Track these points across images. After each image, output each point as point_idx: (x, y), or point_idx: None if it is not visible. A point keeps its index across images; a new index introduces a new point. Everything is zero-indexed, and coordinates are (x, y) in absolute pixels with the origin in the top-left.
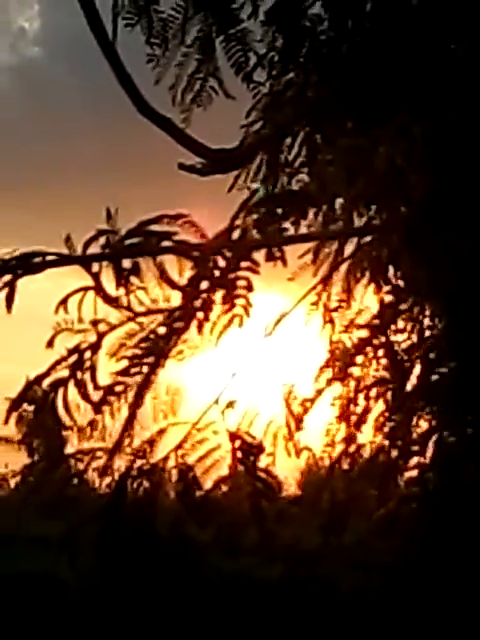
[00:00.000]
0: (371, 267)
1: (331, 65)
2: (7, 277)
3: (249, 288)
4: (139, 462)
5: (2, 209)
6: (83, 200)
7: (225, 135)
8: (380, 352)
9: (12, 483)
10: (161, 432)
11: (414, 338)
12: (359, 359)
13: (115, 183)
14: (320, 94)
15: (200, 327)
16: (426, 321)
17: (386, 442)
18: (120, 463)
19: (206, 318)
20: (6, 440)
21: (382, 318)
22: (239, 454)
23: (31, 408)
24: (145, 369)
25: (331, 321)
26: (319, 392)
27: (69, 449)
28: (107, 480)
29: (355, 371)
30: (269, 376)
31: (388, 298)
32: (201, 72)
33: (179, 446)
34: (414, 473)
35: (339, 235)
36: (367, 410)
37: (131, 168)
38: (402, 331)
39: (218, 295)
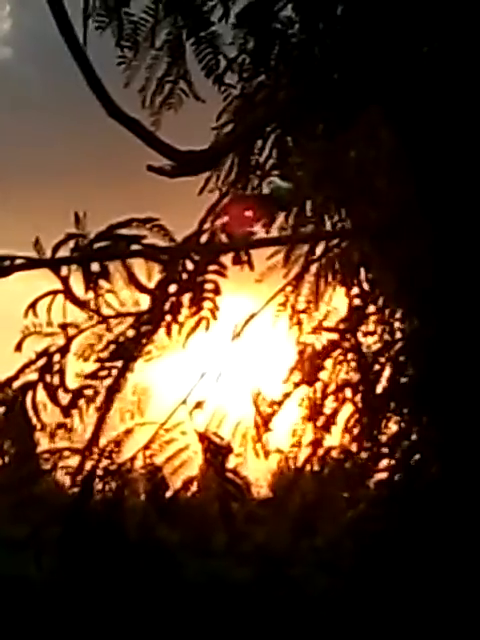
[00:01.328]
0: (341, 270)
1: (302, 67)
2: None
3: (216, 291)
4: (105, 462)
5: None
6: (52, 202)
7: (195, 138)
8: (349, 355)
9: None
10: (128, 432)
11: (383, 341)
12: (328, 362)
13: (84, 185)
14: (291, 96)
15: (169, 330)
16: (396, 324)
17: (355, 444)
18: (88, 463)
19: (175, 321)
20: None
21: (351, 320)
22: (208, 455)
23: (1, 410)
24: (114, 372)
25: (299, 323)
26: (287, 395)
27: (39, 449)
28: (75, 480)
29: (324, 373)
30: (238, 377)
31: (357, 301)
32: (171, 75)
33: (147, 446)
34: (383, 475)
35: (308, 238)
36: (336, 412)
37: (100, 170)
38: (371, 334)
39: (186, 298)
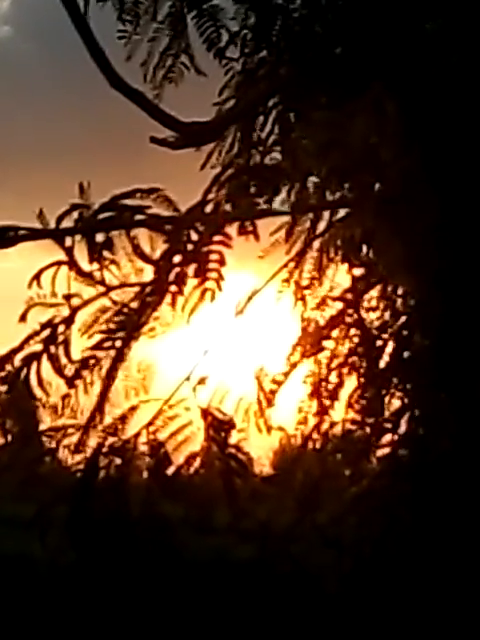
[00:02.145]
0: (344, 245)
1: (304, 43)
2: None
3: (221, 262)
4: (111, 439)
5: None
6: (56, 178)
7: (197, 112)
8: (352, 330)
9: None
10: (133, 409)
11: (387, 316)
12: (332, 336)
13: (87, 161)
14: (293, 72)
15: (173, 301)
16: (399, 300)
17: (358, 419)
18: (91, 440)
19: (179, 292)
20: None
21: (354, 291)
22: (210, 431)
23: (4, 388)
24: (118, 343)
25: (303, 298)
26: (293, 366)
27: (42, 427)
28: (79, 458)
29: (327, 347)
30: (241, 353)
31: (358, 273)
32: (173, 48)
33: (150, 423)
34: (386, 450)
35: (313, 209)
36: (338, 387)
37: (103, 146)
38: (374, 309)
39: (191, 269)
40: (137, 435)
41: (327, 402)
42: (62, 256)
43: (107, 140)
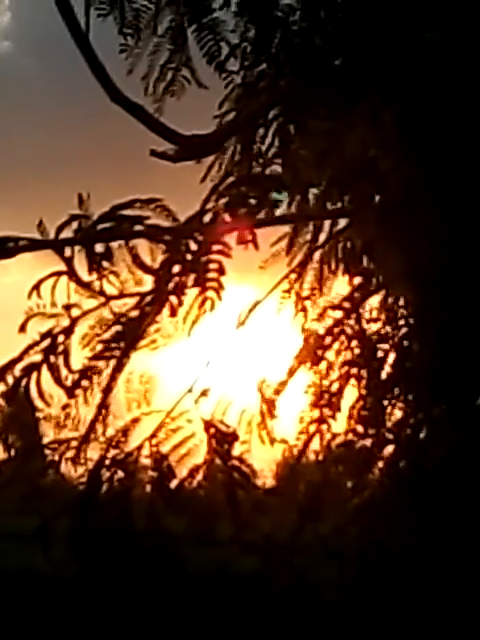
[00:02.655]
0: (344, 256)
1: (304, 55)
2: None
3: (221, 271)
4: (113, 452)
5: None
6: (55, 191)
7: (197, 125)
8: (353, 341)
9: None
10: (135, 421)
11: (388, 326)
12: (332, 345)
13: (86, 176)
14: (293, 84)
15: (173, 311)
16: (400, 310)
17: (360, 430)
18: (93, 453)
19: (179, 301)
20: None
21: (353, 301)
22: (213, 443)
23: (5, 402)
24: (117, 353)
25: (304, 309)
26: (291, 373)
27: (45, 440)
28: (81, 470)
29: (328, 358)
30: (243, 365)
31: (359, 282)
32: (173, 62)
33: (153, 435)
34: (388, 461)
35: (312, 218)
36: (340, 398)
37: (102, 160)
38: (375, 320)
39: (190, 279)
40: (140, 447)
41: (328, 412)
42: (61, 268)
43: (107, 154)
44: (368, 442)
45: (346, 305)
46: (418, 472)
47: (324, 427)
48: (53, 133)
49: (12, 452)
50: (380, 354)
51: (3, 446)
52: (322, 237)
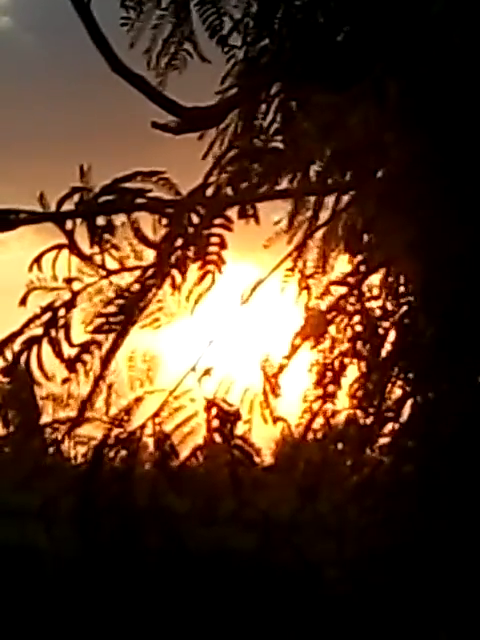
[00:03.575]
0: (346, 235)
1: (306, 31)
2: None
3: (222, 245)
4: (116, 431)
5: None
6: (58, 166)
7: (200, 100)
8: (355, 318)
9: None
10: (138, 400)
11: (389, 304)
12: (334, 321)
13: (89, 148)
14: (295, 60)
15: (174, 285)
16: (401, 287)
17: (360, 408)
18: (97, 432)
19: (182, 276)
20: None
21: (355, 277)
22: (216, 422)
23: (6, 380)
24: (117, 327)
25: (307, 288)
26: (294, 349)
27: (45, 418)
28: (83, 450)
29: (330, 334)
30: (245, 344)
31: (360, 259)
32: (176, 36)
33: (156, 414)
34: (387, 439)
35: (315, 193)
36: (342, 375)
37: (103, 134)
38: (377, 297)
39: (192, 252)
40: (142, 427)
41: (331, 390)
42: (63, 242)
43: (108, 127)
44: (369, 420)
45: (349, 281)
46: (419, 450)
47: (328, 406)
48: (54, 107)
49: (11, 428)
50: (381, 331)
51: (2, 422)
52: (324, 215)
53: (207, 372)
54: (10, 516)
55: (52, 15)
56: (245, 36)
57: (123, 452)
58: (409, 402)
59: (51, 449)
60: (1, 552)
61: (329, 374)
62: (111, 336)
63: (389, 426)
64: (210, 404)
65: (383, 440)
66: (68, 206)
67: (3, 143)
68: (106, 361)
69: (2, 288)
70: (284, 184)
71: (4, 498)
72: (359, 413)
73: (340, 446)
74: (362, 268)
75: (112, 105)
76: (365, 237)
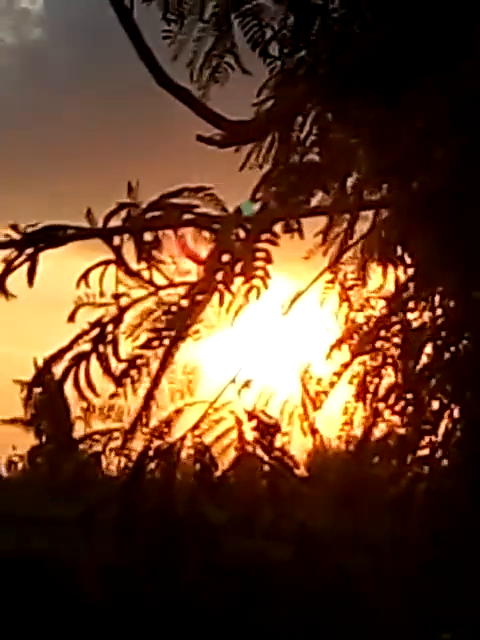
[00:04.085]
0: (382, 247)
1: (342, 43)
2: (29, 250)
3: (268, 260)
4: (156, 442)
5: (16, 195)
6: (98, 181)
7: (236, 111)
8: (394, 329)
9: (19, 465)
10: (178, 412)
11: (426, 317)
12: (379, 334)
13: (127, 161)
14: (331, 72)
15: (221, 300)
16: (437, 299)
17: (398, 420)
18: (137, 443)
19: (228, 290)
20: (13, 421)
21: (398, 295)
22: (256, 434)
23: (40, 390)
24: (166, 342)
25: (347, 299)
26: (345, 367)
27: (86, 430)
28: (123, 461)
29: (374, 348)
30: (285, 356)
31: (403, 275)
32: (218, 48)
33: (196, 426)
34: (425, 452)
35: (356, 209)
36: (381, 389)
37: (143, 146)
38: (413, 310)
39: (238, 267)
40: (182, 438)
41: (371, 404)
42: (106, 256)
43: (145, 141)
44: (407, 432)
45: (390, 296)
46: (458, 464)
47: (367, 418)
48: (89, 124)
49: (43, 439)
50: (418, 344)
51: (35, 433)
52: (361, 227)
53: (247, 384)
54: (48, 526)
55: (85, 27)
56: (281, 48)
57: (163, 463)
58: (446, 414)
59: (92, 460)
60: (37, 562)
61: (370, 387)
62: (159, 351)
63: (427, 438)
64: (250, 416)
65: (422, 452)
66: (115, 222)
67: (47, 158)
68: (157, 377)
69: (46, 301)
70: (319, 195)
71: (42, 509)
72: (398, 425)
73: (378, 459)
74: (404, 283)
75: (146, 120)
76: (400, 250)
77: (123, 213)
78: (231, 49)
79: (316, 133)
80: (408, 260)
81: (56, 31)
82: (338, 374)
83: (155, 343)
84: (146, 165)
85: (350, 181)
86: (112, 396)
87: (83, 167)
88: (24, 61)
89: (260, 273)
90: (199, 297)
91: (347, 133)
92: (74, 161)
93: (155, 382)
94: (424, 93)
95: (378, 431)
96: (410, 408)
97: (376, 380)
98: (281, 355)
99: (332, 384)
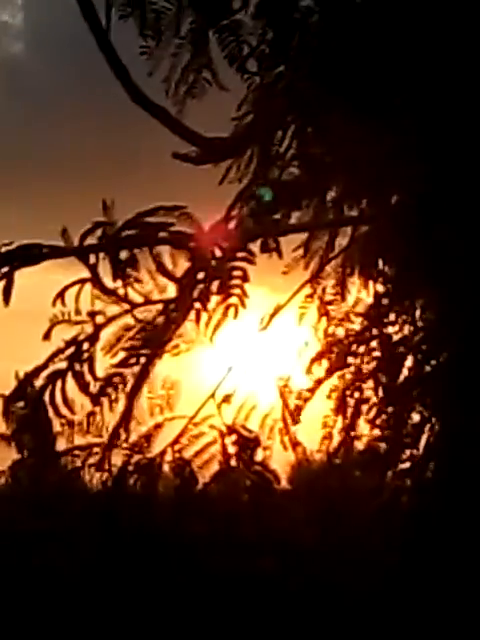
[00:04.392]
0: (362, 260)
1: (321, 58)
2: (5, 269)
3: (244, 278)
4: (136, 457)
5: None
6: (75, 197)
7: (214, 127)
8: (374, 343)
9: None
10: (157, 427)
11: (406, 330)
12: (358, 349)
13: (105, 178)
14: (310, 87)
15: (197, 318)
16: (417, 313)
17: (379, 434)
18: (116, 459)
19: (203, 308)
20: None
21: (377, 309)
22: (236, 448)
23: (21, 404)
24: (142, 360)
25: (326, 314)
26: (318, 382)
27: (64, 445)
28: (103, 476)
29: (352, 362)
30: (264, 370)
31: (382, 289)
32: (195, 64)
33: (176, 441)
34: (406, 465)
35: (337, 223)
36: (361, 402)
37: (120, 162)
38: (393, 323)
39: (214, 286)
40: (162, 453)
41: (350, 417)
42: (82, 274)
43: (123, 157)
44: (388, 446)
45: (370, 312)
46: (439, 476)
47: (347, 431)
48: (69, 136)
49: (25, 454)
50: (399, 358)
51: (17, 447)
52: (340, 241)
53: (227, 399)
54: (28, 540)
55: (67, 42)
56: (261, 63)
57: (143, 478)
58: (427, 428)
59: (71, 476)
60: (20, 576)
61: (349, 400)
62: (136, 369)
63: (408, 452)
64: (230, 430)
65: (402, 466)
66: (91, 241)
67: (18, 173)
68: (133, 394)
69: (23, 315)
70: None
71: (21, 523)
72: (378, 439)
73: (359, 472)
74: (381, 296)
75: (127, 134)
76: (381, 264)
77: (99, 232)
78: (208, 64)
79: (296, 147)
80: (387, 274)
81: (36, 45)
82: (311, 390)
83: (131, 361)
84: (127, 181)
85: (329, 196)
86: (89, 414)
87: (63, 182)
88: (2, 74)
89: (237, 291)
90: (174, 315)
91: (326, 148)
92: (54, 176)
93: (131, 399)
94: (395, 112)
95: (359, 445)
96: (390, 422)
97: (356, 394)
98: (261, 369)
99: (306, 399)
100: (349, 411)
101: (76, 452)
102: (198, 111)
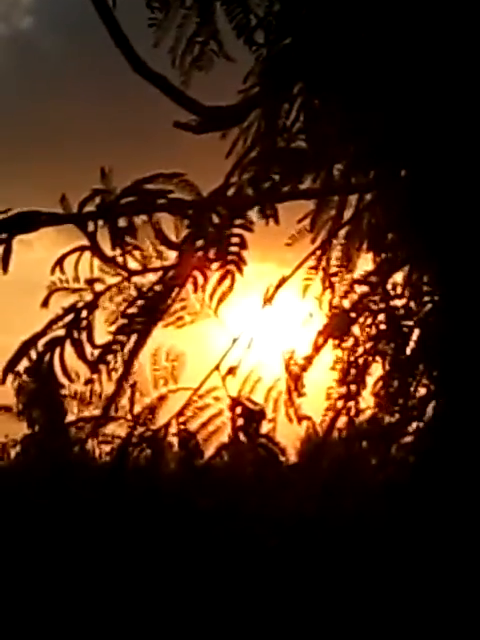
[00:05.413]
0: (369, 233)
1: (329, 30)
2: (3, 235)
3: (242, 245)
4: (140, 429)
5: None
6: (81, 168)
7: (222, 98)
8: (379, 316)
9: (12, 453)
10: (162, 399)
11: (412, 303)
12: (358, 320)
13: (112, 149)
14: (317, 59)
15: (196, 285)
16: (424, 286)
17: (384, 406)
18: (121, 430)
19: (203, 277)
20: (5, 409)
21: (380, 276)
22: (241, 421)
23: (31, 378)
24: (140, 328)
25: (331, 286)
26: (317, 349)
27: (69, 417)
28: (106, 448)
29: (354, 333)
30: (270, 342)
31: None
32: (201, 34)
33: (180, 413)
34: (411, 438)
35: (337, 192)
36: (366, 373)
37: (127, 134)
38: (400, 296)
39: (212, 252)
40: (167, 425)
41: (354, 388)
42: (85, 243)
43: (131, 128)
44: (393, 419)
45: (372, 280)
46: (443, 449)
47: (351, 403)
48: (76, 108)
49: (36, 428)
50: (405, 330)
51: (27, 421)
52: (347, 213)
53: (231, 371)
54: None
55: (76, 15)
56: (268, 34)
57: (148, 450)
58: (433, 401)
59: (76, 448)
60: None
61: (353, 372)
62: (133, 337)
63: (413, 425)
64: (235, 403)
65: (407, 439)
66: (90, 208)
67: (25, 145)
68: (129, 362)
69: (25, 287)
70: (307, 183)
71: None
72: (383, 412)
73: (364, 445)
74: (386, 266)
75: (134, 105)
76: (389, 236)
77: (97, 199)
78: (214, 35)
79: (302, 120)
80: (394, 246)
81: (46, 20)
82: (309, 358)
83: (128, 329)
84: (137, 151)
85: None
86: (88, 382)
87: (60, 153)
88: (13, 49)
89: (234, 258)
90: (172, 282)
91: (332, 120)
92: (52, 147)
93: (128, 367)
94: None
95: (361, 417)
96: (395, 394)
97: (360, 366)
98: (267, 342)
99: (304, 368)
100: (351, 382)
101: (80, 424)
102: (203, 84)
